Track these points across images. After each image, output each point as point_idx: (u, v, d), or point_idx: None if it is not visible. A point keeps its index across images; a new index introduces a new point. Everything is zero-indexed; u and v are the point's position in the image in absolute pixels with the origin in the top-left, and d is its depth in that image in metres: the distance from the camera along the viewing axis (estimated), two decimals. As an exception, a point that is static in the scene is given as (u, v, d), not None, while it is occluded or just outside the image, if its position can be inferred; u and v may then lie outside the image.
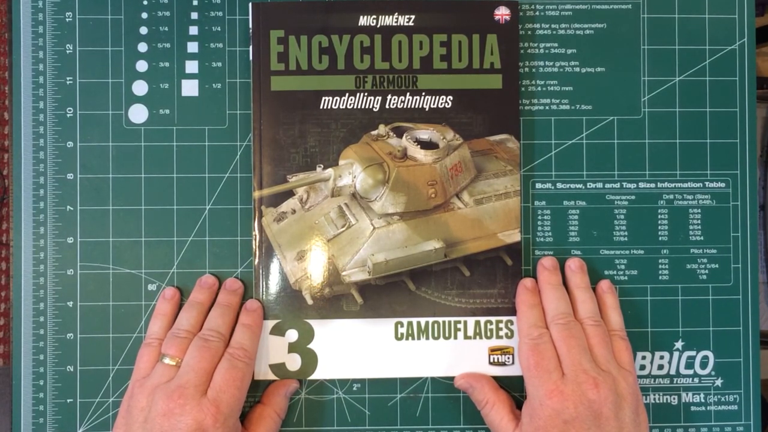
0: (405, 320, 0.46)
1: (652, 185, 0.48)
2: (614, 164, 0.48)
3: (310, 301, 0.46)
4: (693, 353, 0.48)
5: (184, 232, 0.47)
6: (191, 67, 0.47)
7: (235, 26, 0.48)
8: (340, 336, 0.46)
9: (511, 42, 0.47)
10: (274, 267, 0.46)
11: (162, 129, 0.47)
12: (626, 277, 0.48)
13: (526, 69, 0.48)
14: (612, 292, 0.46)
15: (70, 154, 0.47)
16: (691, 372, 0.48)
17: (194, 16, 0.47)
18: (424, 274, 0.46)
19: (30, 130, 0.47)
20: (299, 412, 0.47)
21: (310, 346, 0.46)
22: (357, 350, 0.46)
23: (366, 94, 0.46)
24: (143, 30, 0.47)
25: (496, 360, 0.46)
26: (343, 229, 0.46)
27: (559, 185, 0.48)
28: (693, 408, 0.48)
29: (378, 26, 0.46)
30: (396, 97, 0.46)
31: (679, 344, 0.48)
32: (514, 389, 0.47)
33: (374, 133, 0.46)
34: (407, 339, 0.46)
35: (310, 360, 0.46)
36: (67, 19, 0.47)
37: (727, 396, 0.48)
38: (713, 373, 0.48)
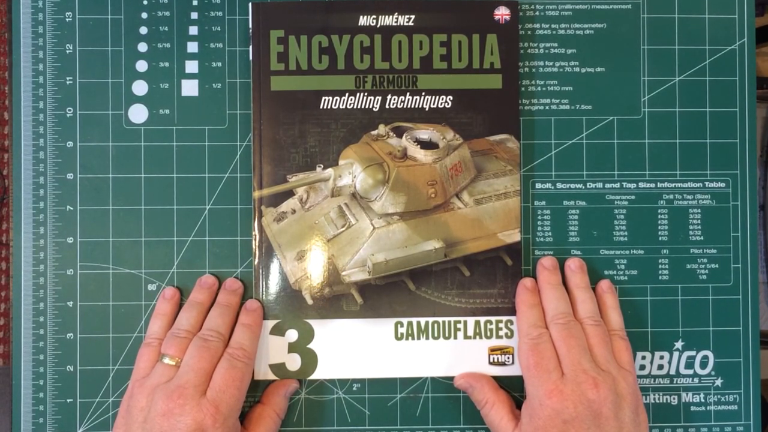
0: (405, 320, 0.46)
1: (652, 185, 0.48)
2: (614, 164, 0.48)
3: (310, 301, 0.46)
4: (693, 353, 0.48)
5: (184, 232, 0.47)
6: (191, 67, 0.47)
7: (235, 26, 0.48)
8: (340, 336, 0.46)
9: (511, 42, 0.47)
10: (274, 267, 0.46)
11: (162, 129, 0.47)
12: (626, 277, 0.48)
13: (526, 69, 0.48)
14: (612, 292, 0.46)
15: (70, 154, 0.47)
16: (691, 372, 0.48)
17: (194, 16, 0.47)
18: (424, 274, 0.46)
19: (30, 130, 0.47)
20: (299, 412, 0.47)
21: (310, 346, 0.46)
22: (357, 350, 0.46)
23: (366, 94, 0.46)
24: (143, 30, 0.47)
25: (495, 360, 0.46)
26: (343, 229, 0.46)
27: (559, 185, 0.48)
28: (693, 408, 0.48)
29: (378, 26, 0.46)
30: (396, 97, 0.46)
31: (679, 344, 0.48)
32: (513, 389, 0.47)
33: (374, 133, 0.46)
34: (407, 339, 0.46)
35: (310, 360, 0.46)
36: (67, 19, 0.47)
37: (727, 396, 0.48)
38: (713, 373, 0.48)
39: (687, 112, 0.48)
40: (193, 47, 0.47)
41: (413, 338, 0.46)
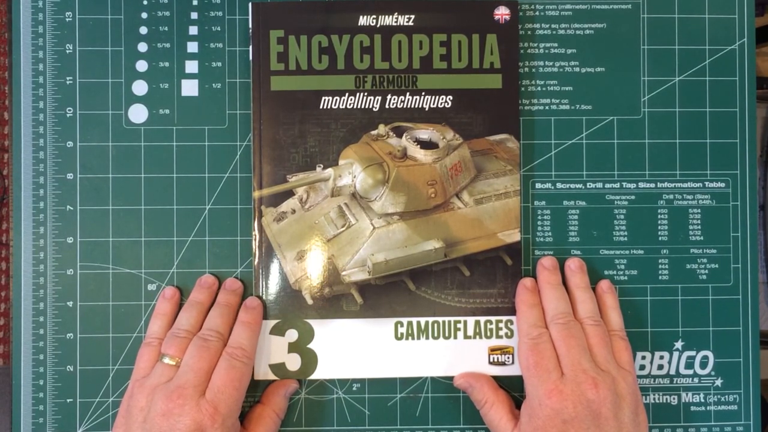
0: (405, 320, 0.46)
1: (652, 185, 0.48)
2: (614, 164, 0.48)
3: (310, 301, 0.46)
4: (693, 353, 0.48)
5: (184, 232, 0.47)
6: (191, 67, 0.47)
7: (235, 26, 0.48)
8: (340, 336, 0.46)
9: (511, 42, 0.47)
10: (274, 267, 0.46)
11: (162, 129, 0.47)
12: (626, 277, 0.48)
13: (526, 69, 0.48)
14: (612, 292, 0.46)
15: (70, 154, 0.47)
16: (690, 372, 0.48)
17: (194, 16, 0.47)
18: (424, 273, 0.46)
19: (30, 130, 0.47)
20: (299, 412, 0.47)
21: (310, 345, 0.46)
22: (357, 350, 0.46)
23: (366, 93, 0.46)
24: (143, 30, 0.47)
25: (495, 360, 0.46)
26: (343, 229, 0.46)
27: (559, 185, 0.48)
28: (693, 408, 0.48)
29: (378, 26, 0.46)
30: (396, 97, 0.46)
31: (678, 344, 0.48)
32: (513, 389, 0.47)
33: (374, 133, 0.46)
34: (407, 339, 0.46)
35: (310, 360, 0.46)
36: (67, 19, 0.47)
37: (727, 396, 0.48)
38: (713, 373, 0.48)
39: (687, 112, 0.48)
40: (193, 47, 0.47)
41: (413, 338, 0.46)
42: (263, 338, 0.45)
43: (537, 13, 0.48)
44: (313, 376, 0.46)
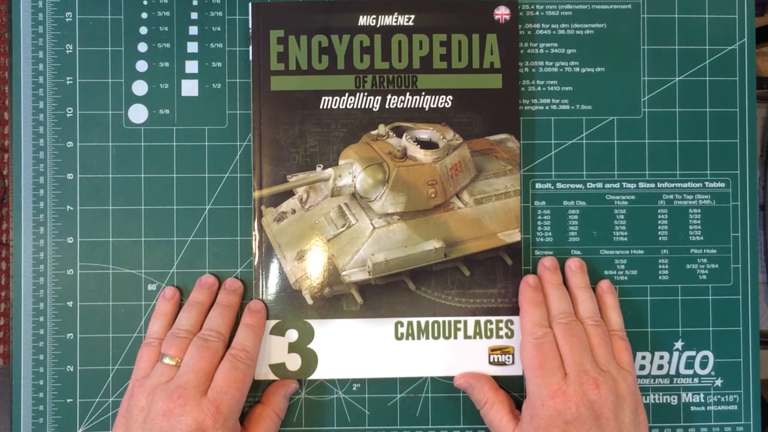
0: (405, 320, 0.46)
1: (652, 185, 0.48)
2: (614, 164, 0.48)
3: (310, 301, 0.46)
4: (693, 353, 0.48)
5: (184, 232, 0.47)
6: (191, 67, 0.47)
7: (235, 26, 0.48)
8: (340, 336, 0.46)
9: (511, 42, 0.47)
10: (274, 267, 0.46)
11: (162, 129, 0.47)
12: (626, 277, 0.48)
13: (526, 69, 0.48)
14: (612, 292, 0.46)
15: (70, 154, 0.47)
16: (690, 372, 0.48)
17: (194, 16, 0.47)
18: (424, 273, 0.46)
19: (30, 130, 0.47)
20: (299, 412, 0.47)
21: (310, 346, 0.46)
22: (357, 350, 0.46)
23: (366, 93, 0.46)
24: (143, 30, 0.47)
25: (496, 360, 0.46)
26: (343, 229, 0.46)
27: (559, 185, 0.48)
28: (693, 408, 0.48)
29: (378, 26, 0.46)
30: (396, 97, 0.46)
31: (678, 344, 0.48)
32: (513, 389, 0.47)
33: (374, 132, 0.46)
34: (407, 339, 0.46)
35: (310, 360, 0.46)
36: (67, 19, 0.47)
37: (727, 396, 0.48)
38: (713, 373, 0.48)
39: (687, 112, 0.48)
40: (193, 47, 0.47)
41: (413, 338, 0.46)
42: (263, 338, 0.45)
43: (537, 13, 0.48)
44: (313, 376, 0.46)
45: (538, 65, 0.48)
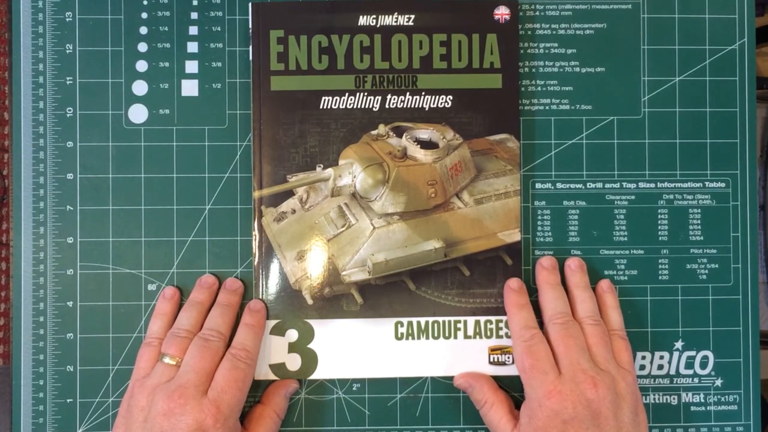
0: (405, 320, 0.46)
1: (652, 185, 0.48)
2: (614, 164, 0.48)
3: (310, 301, 0.46)
4: (693, 353, 0.48)
5: (184, 232, 0.47)
6: (191, 67, 0.47)
7: (235, 26, 0.48)
8: (340, 336, 0.46)
9: (511, 42, 0.47)
10: (274, 267, 0.46)
11: (162, 129, 0.47)
12: (626, 277, 0.48)
13: (526, 69, 0.48)
14: (612, 291, 0.46)
15: (70, 154, 0.47)
16: (691, 372, 0.48)
17: (194, 16, 0.47)
18: (424, 273, 0.46)
19: (30, 130, 0.47)
20: (299, 412, 0.47)
21: (310, 345, 0.46)
22: (357, 350, 0.46)
23: (366, 93, 0.46)
24: (143, 30, 0.47)
25: (496, 359, 0.46)
26: (343, 228, 0.46)
27: (559, 185, 0.48)
28: (693, 408, 0.48)
29: (378, 26, 0.46)
30: (396, 97, 0.46)
31: (679, 344, 0.48)
32: (514, 389, 0.47)
33: (374, 132, 0.46)
34: (407, 339, 0.46)
35: (310, 360, 0.46)
36: (67, 19, 0.47)
37: (727, 396, 0.48)
38: (713, 373, 0.48)
39: (687, 112, 0.48)
40: (193, 47, 0.47)
41: (413, 338, 0.46)
42: (263, 338, 0.45)
43: (537, 13, 0.48)
44: (313, 376, 0.46)
45: (538, 65, 0.48)
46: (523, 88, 0.48)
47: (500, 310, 0.46)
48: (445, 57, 0.46)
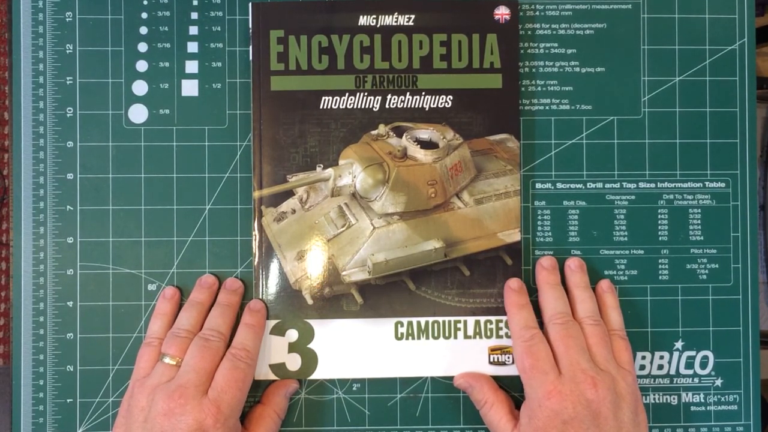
0: (405, 320, 0.46)
1: (652, 185, 0.48)
2: (614, 164, 0.48)
3: (310, 301, 0.46)
4: (693, 353, 0.48)
5: (184, 232, 0.47)
6: (191, 67, 0.47)
7: (235, 26, 0.48)
8: (340, 336, 0.46)
9: (511, 42, 0.47)
10: (274, 267, 0.46)
11: (162, 129, 0.47)
12: (626, 277, 0.48)
13: (526, 69, 0.48)
14: (612, 291, 0.46)
15: (70, 154, 0.47)
16: (691, 372, 0.48)
17: (194, 16, 0.47)
18: (424, 273, 0.46)
19: (30, 130, 0.47)
20: (299, 412, 0.47)
21: (310, 345, 0.46)
22: (357, 350, 0.46)
23: (366, 93, 0.46)
24: (143, 30, 0.47)
25: (496, 359, 0.46)
26: (343, 228, 0.46)
27: (559, 185, 0.48)
28: (693, 408, 0.48)
29: (378, 26, 0.46)
30: (396, 97, 0.46)
31: (679, 344, 0.48)
32: (514, 389, 0.47)
33: (374, 132, 0.46)
34: (407, 339, 0.46)
35: (310, 360, 0.46)
36: (67, 19, 0.47)
37: (727, 396, 0.48)
38: (713, 373, 0.48)
39: (687, 112, 0.48)
40: (193, 47, 0.47)
41: (413, 338, 0.46)
42: (263, 338, 0.45)
43: (537, 13, 0.48)
44: (313, 376, 0.46)
45: (538, 65, 0.48)
46: (523, 88, 0.48)
47: (500, 310, 0.46)
48: (445, 57, 0.46)
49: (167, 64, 0.47)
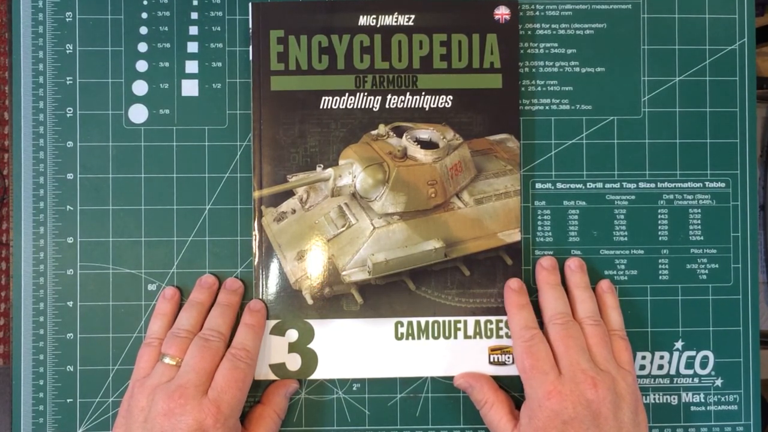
0: (405, 320, 0.46)
1: (652, 185, 0.48)
2: (614, 164, 0.48)
3: (310, 301, 0.46)
4: (693, 353, 0.48)
5: (184, 232, 0.47)
6: (191, 67, 0.47)
7: (235, 26, 0.48)
8: (340, 336, 0.46)
9: (511, 42, 0.47)
10: (274, 267, 0.46)
11: (162, 129, 0.47)
12: (626, 277, 0.48)
13: (526, 69, 0.48)
14: (612, 291, 0.46)
15: (70, 154, 0.47)
16: (691, 372, 0.48)
17: (194, 16, 0.47)
18: (424, 273, 0.46)
19: (30, 130, 0.47)
20: (299, 412, 0.47)
21: (310, 345, 0.46)
22: (357, 350, 0.46)
23: (366, 93, 0.46)
24: (143, 30, 0.47)
25: (496, 359, 0.46)
26: (343, 228, 0.46)
27: (559, 185, 0.48)
28: (693, 408, 0.48)
29: (378, 26, 0.46)
30: (396, 97, 0.46)
31: (679, 344, 0.48)
32: (514, 389, 0.47)
33: (374, 132, 0.46)
34: (407, 339, 0.46)
35: (310, 360, 0.46)
36: (67, 19, 0.47)
37: (727, 396, 0.48)
38: (713, 373, 0.48)
39: (687, 112, 0.48)
40: (193, 47, 0.47)
41: (413, 338, 0.46)
42: (263, 338, 0.45)
43: (537, 13, 0.48)
44: (313, 376, 0.46)
45: (538, 65, 0.48)
46: (523, 88, 0.48)
47: (500, 310, 0.46)
48: (445, 57, 0.46)
49: (167, 64, 0.47)
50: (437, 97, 0.46)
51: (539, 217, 0.48)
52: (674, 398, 0.48)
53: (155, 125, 0.47)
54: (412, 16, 0.46)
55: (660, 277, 0.48)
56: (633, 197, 0.48)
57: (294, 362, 0.46)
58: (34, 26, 0.47)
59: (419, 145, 0.46)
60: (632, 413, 0.41)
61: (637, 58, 0.48)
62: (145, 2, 0.47)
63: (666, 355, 0.48)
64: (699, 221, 0.48)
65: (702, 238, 0.48)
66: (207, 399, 0.40)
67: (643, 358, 0.48)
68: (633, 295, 0.48)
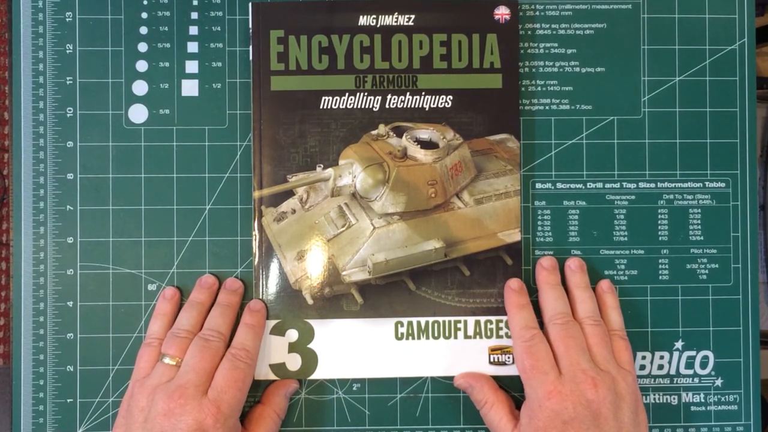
0: (405, 320, 0.46)
1: (652, 185, 0.48)
2: (614, 164, 0.48)
3: (310, 301, 0.46)
4: (693, 353, 0.48)
5: (184, 232, 0.47)
6: (191, 67, 0.47)
7: (235, 26, 0.48)
8: (340, 336, 0.46)
9: (511, 42, 0.47)
10: (274, 267, 0.46)
11: (162, 129, 0.47)
12: (626, 277, 0.48)
13: (526, 69, 0.48)
14: (612, 291, 0.46)
15: (70, 154, 0.47)
16: (691, 372, 0.48)
17: (194, 16, 0.47)
18: (424, 273, 0.46)
19: (30, 130, 0.47)
20: (299, 412, 0.47)
21: (310, 345, 0.46)
22: (357, 350, 0.46)
23: (366, 93, 0.46)
24: (143, 30, 0.47)
25: (496, 359, 0.46)
26: (343, 228, 0.46)
27: (559, 185, 0.48)
28: (693, 408, 0.48)
29: (378, 26, 0.46)
30: (396, 97, 0.46)
31: (679, 344, 0.48)
32: (514, 389, 0.47)
33: (374, 132, 0.46)
34: (407, 339, 0.46)
35: (310, 360, 0.46)
36: (67, 19, 0.47)
37: (727, 396, 0.48)
38: (713, 373, 0.48)
39: (687, 112, 0.48)
40: (193, 47, 0.47)
41: (413, 338, 0.46)
42: (263, 338, 0.45)
43: (537, 13, 0.48)
44: (313, 376, 0.46)
45: (538, 65, 0.48)
46: (523, 88, 0.48)
47: (500, 310, 0.46)
48: (445, 57, 0.46)
49: (167, 64, 0.47)
50: (437, 97, 0.46)
51: (539, 217, 0.48)
52: (674, 398, 0.48)
53: (155, 125, 0.47)
54: (412, 16, 0.46)
55: (660, 277, 0.48)
56: (633, 197, 0.48)
57: (294, 362, 0.46)
58: (34, 26, 0.47)
59: (419, 145, 0.46)
60: (632, 413, 0.41)
61: (637, 58, 0.48)
62: (145, 2, 0.47)
63: (666, 355, 0.48)
64: (699, 221, 0.48)
65: (702, 238, 0.48)
66: (207, 399, 0.40)
67: (643, 358, 0.48)
68: (633, 295, 0.48)
